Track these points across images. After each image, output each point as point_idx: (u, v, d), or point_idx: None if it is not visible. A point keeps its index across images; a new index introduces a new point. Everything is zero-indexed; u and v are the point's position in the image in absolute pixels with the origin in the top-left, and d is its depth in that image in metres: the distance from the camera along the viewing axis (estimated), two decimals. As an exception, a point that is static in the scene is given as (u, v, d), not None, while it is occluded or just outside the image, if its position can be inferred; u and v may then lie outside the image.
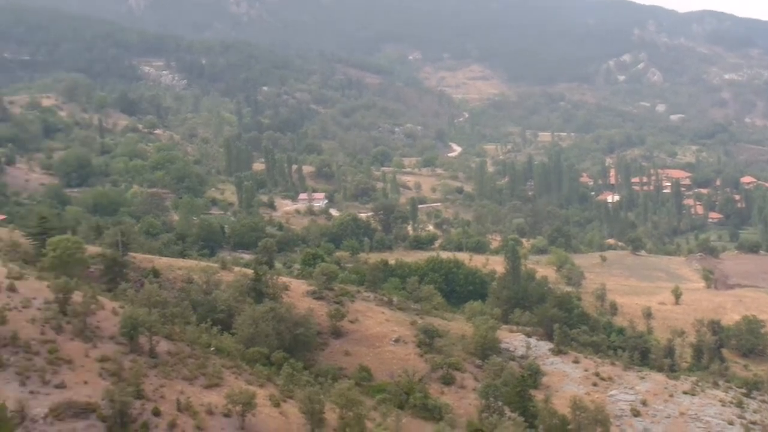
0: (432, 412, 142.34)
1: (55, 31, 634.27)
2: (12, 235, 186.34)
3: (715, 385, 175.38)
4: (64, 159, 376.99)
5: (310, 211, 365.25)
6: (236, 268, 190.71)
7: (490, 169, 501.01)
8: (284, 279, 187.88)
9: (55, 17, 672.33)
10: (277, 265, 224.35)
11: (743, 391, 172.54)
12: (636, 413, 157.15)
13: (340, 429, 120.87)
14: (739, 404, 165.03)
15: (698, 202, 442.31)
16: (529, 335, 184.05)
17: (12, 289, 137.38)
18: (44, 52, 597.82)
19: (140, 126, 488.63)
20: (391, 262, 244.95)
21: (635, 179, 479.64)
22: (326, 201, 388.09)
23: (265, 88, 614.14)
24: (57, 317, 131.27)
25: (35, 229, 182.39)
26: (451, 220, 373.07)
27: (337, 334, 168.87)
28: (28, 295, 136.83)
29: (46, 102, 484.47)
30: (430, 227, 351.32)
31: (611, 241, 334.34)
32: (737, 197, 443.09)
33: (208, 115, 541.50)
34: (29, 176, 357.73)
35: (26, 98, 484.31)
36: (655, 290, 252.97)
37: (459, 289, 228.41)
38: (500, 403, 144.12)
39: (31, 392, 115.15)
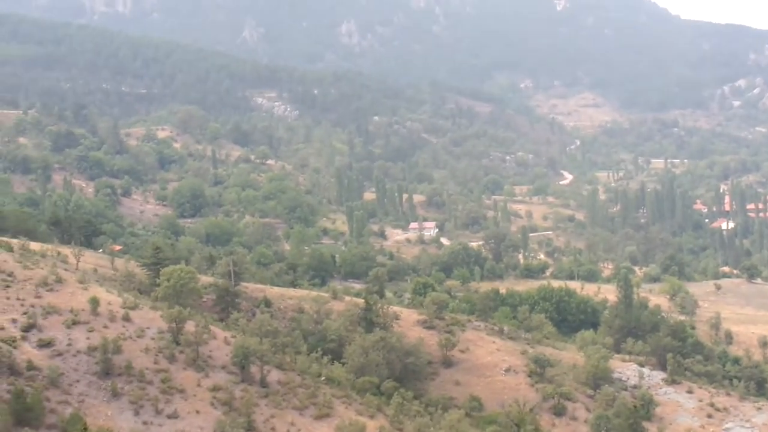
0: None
1: (171, 64, 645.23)
2: (127, 265, 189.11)
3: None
4: (178, 190, 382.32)
5: (421, 240, 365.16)
6: (347, 298, 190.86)
7: (602, 196, 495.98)
8: (395, 308, 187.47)
9: (170, 51, 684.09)
10: (388, 294, 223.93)
11: None
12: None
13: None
14: None
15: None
16: (641, 365, 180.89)
17: (127, 318, 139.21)
18: (160, 84, 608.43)
19: (252, 156, 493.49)
20: (502, 291, 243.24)
21: (751, 206, 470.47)
22: (437, 230, 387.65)
23: (376, 117, 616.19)
24: (170, 347, 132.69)
25: (150, 260, 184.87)
26: (563, 249, 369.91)
27: (448, 363, 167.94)
28: (143, 324, 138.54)
29: (162, 134, 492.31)
30: (541, 256, 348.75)
31: (726, 269, 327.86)
32: None
33: (319, 145, 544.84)
34: (144, 207, 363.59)
35: (142, 130, 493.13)
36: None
37: (570, 318, 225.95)
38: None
39: (144, 423, 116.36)
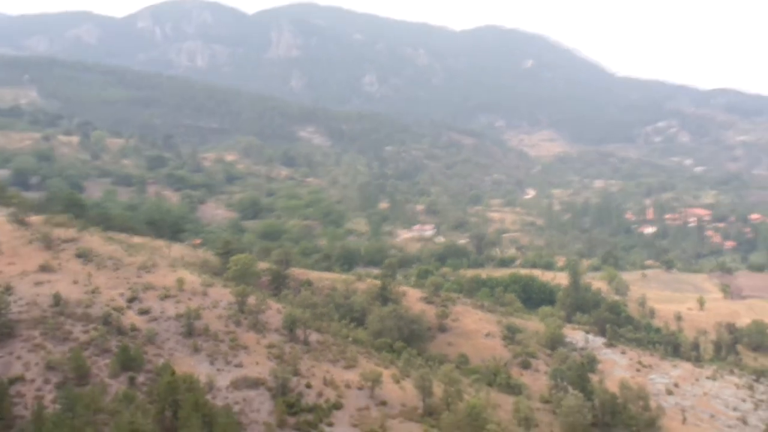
0: (513, 389, 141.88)
1: (236, 106, 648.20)
2: (204, 254, 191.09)
3: (731, 372, 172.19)
4: (241, 199, 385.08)
5: (422, 238, 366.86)
6: (368, 280, 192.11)
7: (557, 207, 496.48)
8: (403, 288, 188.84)
9: (236, 95, 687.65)
10: (398, 277, 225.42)
11: (753, 377, 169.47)
12: (669, 392, 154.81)
13: (444, 400, 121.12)
14: (750, 387, 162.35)
15: (716, 233, 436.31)
16: (587, 332, 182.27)
17: (204, 293, 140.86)
18: (228, 121, 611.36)
19: (296, 175, 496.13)
20: (483, 276, 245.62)
21: (668, 216, 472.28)
22: (434, 231, 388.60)
23: (389, 147, 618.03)
24: (236, 314, 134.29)
25: (221, 250, 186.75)
26: (527, 246, 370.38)
27: (443, 329, 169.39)
28: (216, 298, 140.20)
29: (229, 158, 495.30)
30: (512, 250, 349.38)
31: (649, 262, 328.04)
32: (747, 230, 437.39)
33: (346, 167, 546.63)
34: (216, 212, 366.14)
35: (214, 155, 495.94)
36: (684, 299, 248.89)
37: (534, 296, 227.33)
38: (565, 383, 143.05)
39: (218, 370, 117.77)
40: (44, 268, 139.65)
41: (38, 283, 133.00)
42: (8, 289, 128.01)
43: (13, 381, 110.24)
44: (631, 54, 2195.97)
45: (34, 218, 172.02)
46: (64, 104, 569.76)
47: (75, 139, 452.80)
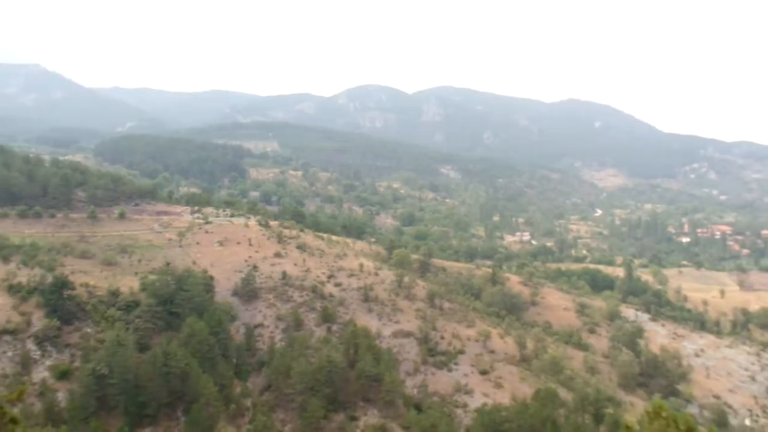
0: (582, 347, 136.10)
1: (400, 152, 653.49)
2: (377, 248, 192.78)
3: (744, 343, 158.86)
4: (402, 213, 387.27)
5: (521, 241, 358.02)
6: (483, 268, 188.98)
7: (617, 222, 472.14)
8: (507, 274, 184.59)
9: (399, 145, 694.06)
10: (504, 267, 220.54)
11: (761, 347, 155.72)
12: (697, 355, 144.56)
13: (533, 351, 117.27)
14: (758, 354, 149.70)
15: (735, 243, 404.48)
16: (636, 310, 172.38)
17: (376, 274, 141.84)
18: (394, 161, 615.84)
19: (438, 198, 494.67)
20: (563, 268, 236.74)
21: (699, 230, 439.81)
22: (529, 236, 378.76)
23: (500, 180, 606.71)
24: (396, 288, 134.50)
25: (387, 245, 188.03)
26: (595, 248, 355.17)
27: (534, 303, 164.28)
28: (384, 277, 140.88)
29: (395, 185, 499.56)
30: (584, 251, 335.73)
31: (684, 262, 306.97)
32: (759, 241, 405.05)
33: (471, 192, 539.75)
34: (386, 221, 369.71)
35: (386, 183, 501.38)
36: (709, 290, 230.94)
37: (598, 284, 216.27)
38: (620, 345, 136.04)
39: (383, 324, 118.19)
40: (277, 255, 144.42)
41: (273, 264, 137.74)
42: (255, 268, 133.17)
43: (256, 326, 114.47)
44: (675, 115, 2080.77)
45: (273, 223, 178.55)
46: (293, 151, 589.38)
47: (299, 173, 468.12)
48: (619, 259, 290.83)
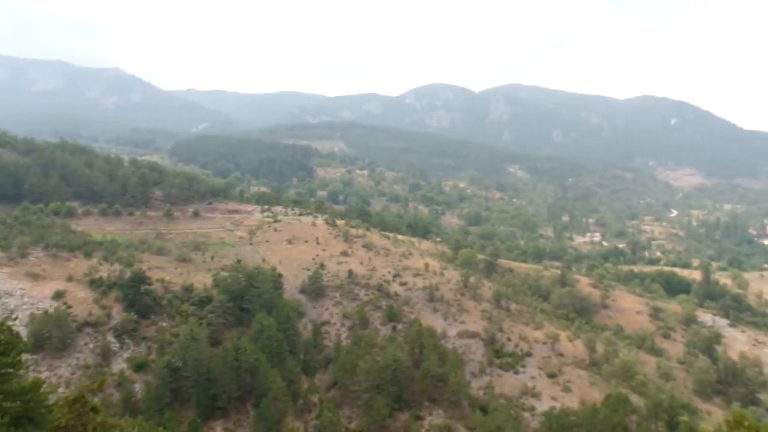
0: (656, 352, 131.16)
1: (466, 151, 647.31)
2: (442, 248, 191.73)
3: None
4: (468, 213, 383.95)
5: (592, 242, 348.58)
6: (551, 269, 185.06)
7: (694, 223, 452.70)
8: (576, 276, 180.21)
9: (466, 144, 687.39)
10: (573, 269, 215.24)
11: None
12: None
13: (604, 356, 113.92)
14: None
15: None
16: (714, 315, 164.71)
17: (442, 274, 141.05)
18: (461, 161, 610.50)
19: (505, 197, 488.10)
20: (635, 270, 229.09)
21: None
22: (600, 237, 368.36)
23: (570, 179, 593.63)
24: (462, 289, 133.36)
25: (453, 245, 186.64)
26: (670, 250, 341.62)
27: (604, 306, 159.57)
28: (449, 277, 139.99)
29: (461, 185, 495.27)
30: (658, 253, 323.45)
31: (766, 265, 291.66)
32: None
33: (539, 192, 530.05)
34: (451, 220, 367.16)
35: (451, 183, 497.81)
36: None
37: (673, 287, 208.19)
38: (696, 350, 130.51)
39: (449, 324, 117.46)
40: (344, 253, 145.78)
41: (340, 263, 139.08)
42: (323, 266, 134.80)
43: (323, 323, 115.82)
44: (756, 111, 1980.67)
45: (339, 221, 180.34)
46: (360, 151, 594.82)
47: (366, 172, 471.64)
48: (695, 262, 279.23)
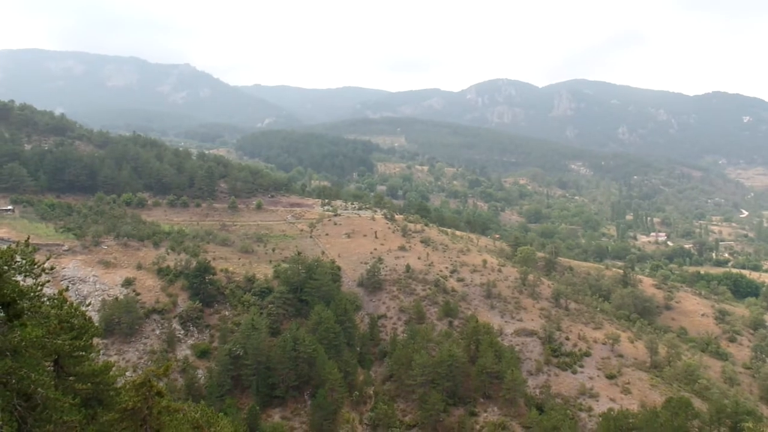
0: (721, 356, 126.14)
1: (528, 147, 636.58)
2: (501, 245, 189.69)
3: None
4: (528, 210, 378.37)
5: (656, 242, 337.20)
6: (613, 269, 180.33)
7: (765, 224, 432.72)
8: (639, 276, 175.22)
9: (527, 141, 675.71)
10: (636, 268, 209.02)
11: None
12: None
13: (666, 358, 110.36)
14: None
15: None
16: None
17: (500, 270, 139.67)
18: (522, 157, 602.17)
19: (567, 195, 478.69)
20: (701, 272, 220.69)
21: None
22: (665, 237, 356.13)
23: (635, 177, 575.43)
24: (520, 286, 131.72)
25: (512, 242, 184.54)
26: (739, 252, 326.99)
27: (668, 308, 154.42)
28: (507, 274, 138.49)
29: (521, 181, 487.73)
30: (726, 255, 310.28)
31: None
32: None
33: (603, 190, 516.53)
34: (511, 217, 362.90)
35: (512, 179, 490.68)
36: None
37: (741, 290, 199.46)
38: (763, 355, 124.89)
39: (506, 321, 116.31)
40: (401, 248, 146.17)
41: (397, 257, 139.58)
42: (380, 260, 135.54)
43: (380, 317, 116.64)
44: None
45: (398, 216, 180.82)
46: (420, 146, 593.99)
47: (425, 167, 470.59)
48: (766, 264, 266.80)
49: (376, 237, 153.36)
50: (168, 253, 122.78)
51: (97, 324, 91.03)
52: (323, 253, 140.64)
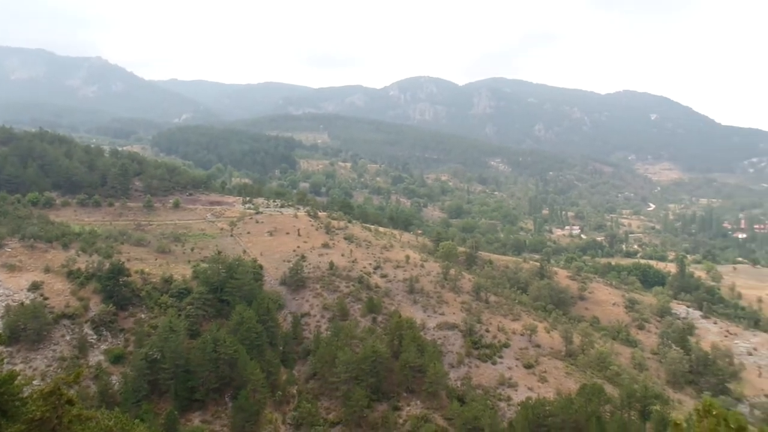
0: (630, 343, 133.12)
1: (449, 144, 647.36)
2: (423, 240, 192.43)
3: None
4: (450, 205, 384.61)
5: (570, 235, 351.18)
6: (530, 262, 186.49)
7: (671, 217, 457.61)
8: (555, 268, 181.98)
9: (448, 137, 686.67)
10: (552, 261, 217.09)
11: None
12: (750, 354, 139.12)
13: (580, 347, 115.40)
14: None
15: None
16: (688, 307, 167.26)
17: (422, 266, 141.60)
18: (443, 154, 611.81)
19: (487, 190, 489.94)
20: (613, 263, 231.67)
21: (756, 226, 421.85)
22: (579, 230, 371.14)
23: (550, 173, 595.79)
24: (442, 281, 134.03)
25: (434, 237, 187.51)
26: (647, 243, 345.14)
27: (581, 298, 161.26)
28: (429, 269, 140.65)
29: (443, 178, 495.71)
30: (635, 246, 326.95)
31: (740, 259, 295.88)
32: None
33: (521, 185, 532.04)
34: (433, 213, 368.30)
35: (434, 176, 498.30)
36: (765, 288, 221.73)
37: (649, 279, 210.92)
38: (670, 341, 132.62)
39: (428, 315, 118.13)
40: (325, 245, 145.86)
41: (321, 255, 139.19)
42: (303, 258, 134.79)
43: (303, 315, 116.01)
44: (734, 107, 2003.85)
45: (321, 214, 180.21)
46: (343, 143, 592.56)
47: (348, 164, 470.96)
48: (671, 255, 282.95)
49: (299, 235, 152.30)
50: (78, 255, 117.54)
51: (0, 331, 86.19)
52: (245, 251, 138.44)
